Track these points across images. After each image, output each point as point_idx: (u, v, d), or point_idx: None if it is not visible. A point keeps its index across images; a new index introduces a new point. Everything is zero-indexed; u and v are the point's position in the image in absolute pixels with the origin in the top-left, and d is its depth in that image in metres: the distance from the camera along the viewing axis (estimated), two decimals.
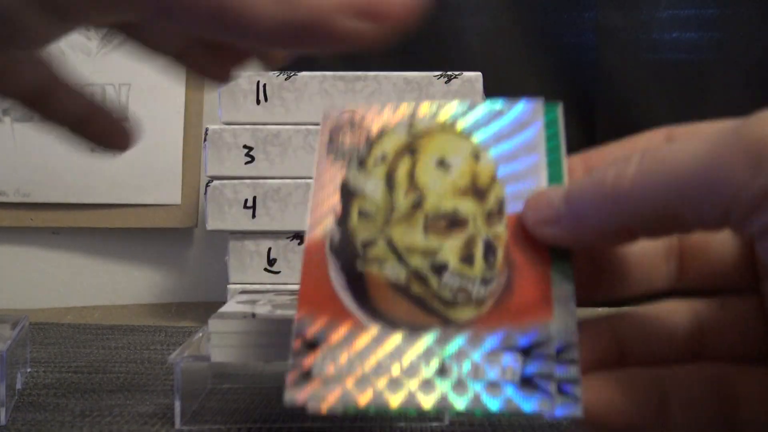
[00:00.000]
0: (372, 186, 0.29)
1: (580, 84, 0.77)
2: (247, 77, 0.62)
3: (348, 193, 0.29)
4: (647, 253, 0.27)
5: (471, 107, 0.30)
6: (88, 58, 0.81)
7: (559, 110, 0.29)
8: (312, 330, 0.26)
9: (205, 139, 0.62)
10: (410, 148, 0.30)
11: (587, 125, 0.76)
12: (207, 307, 0.66)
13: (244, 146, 0.62)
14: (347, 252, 0.28)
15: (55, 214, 0.80)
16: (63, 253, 0.82)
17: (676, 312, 0.27)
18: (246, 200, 0.61)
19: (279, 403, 0.41)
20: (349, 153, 0.30)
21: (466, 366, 0.25)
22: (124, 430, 0.37)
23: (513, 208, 0.28)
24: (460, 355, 0.25)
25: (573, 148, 0.28)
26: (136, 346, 0.56)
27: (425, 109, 0.31)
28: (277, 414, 0.39)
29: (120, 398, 0.42)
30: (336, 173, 0.30)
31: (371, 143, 0.30)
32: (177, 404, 0.37)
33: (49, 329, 0.63)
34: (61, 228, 0.81)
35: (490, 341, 0.25)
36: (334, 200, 0.29)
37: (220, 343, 0.35)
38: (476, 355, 0.25)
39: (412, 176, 0.29)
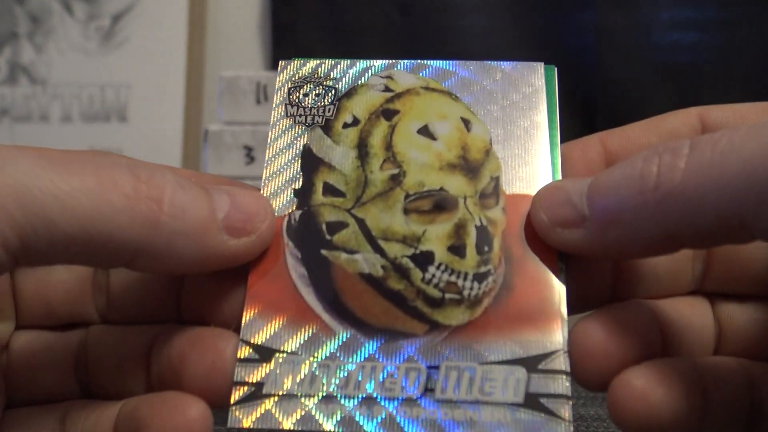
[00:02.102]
0: (340, 155, 0.23)
1: (580, 84, 0.77)
2: (247, 77, 0.62)
3: (311, 163, 0.23)
4: (675, 255, 0.23)
5: (460, 65, 0.25)
6: (88, 58, 0.81)
7: (555, 74, 0.25)
8: (264, 334, 0.21)
9: (205, 139, 0.62)
10: (387, 110, 0.24)
11: (587, 126, 0.76)
12: None
13: (244, 146, 0.62)
14: (309, 236, 0.22)
15: None
16: None
17: (696, 308, 0.23)
18: None
19: None
20: (311, 113, 0.24)
21: (458, 382, 0.20)
22: None
23: (510, 186, 0.23)
24: (450, 370, 0.20)
25: None
26: None
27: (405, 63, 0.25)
28: None
29: None
30: (296, 138, 0.24)
31: (339, 101, 0.24)
32: None
33: None
34: None
35: (486, 351, 0.20)
36: (294, 170, 0.23)
37: None
38: (470, 369, 0.20)
39: (389, 144, 0.23)
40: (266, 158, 0.24)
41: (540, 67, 0.25)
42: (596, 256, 0.21)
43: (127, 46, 0.81)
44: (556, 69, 0.25)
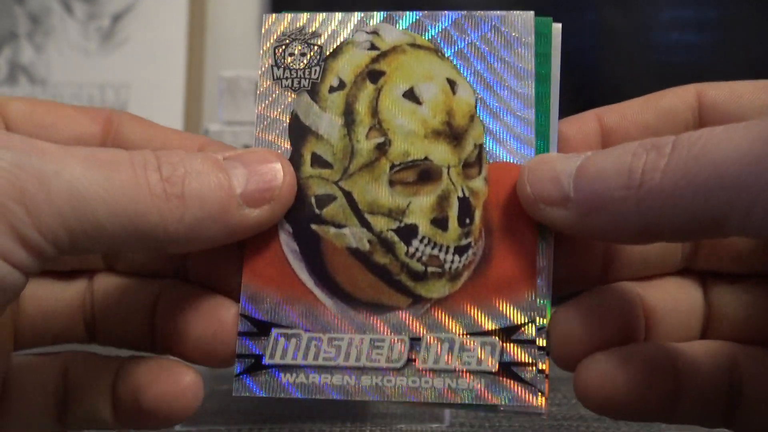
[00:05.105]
0: (327, 122, 0.23)
1: (580, 85, 0.77)
2: (247, 77, 0.62)
3: (299, 132, 0.23)
4: None
5: (446, 16, 0.24)
6: (88, 58, 0.81)
7: (555, 28, 0.24)
8: (261, 309, 0.22)
9: None
10: (373, 71, 0.23)
11: None
12: None
13: (244, 146, 0.62)
14: (300, 210, 0.23)
15: None
16: None
17: (685, 289, 0.24)
18: None
19: (278, 405, 0.41)
20: (297, 75, 0.24)
21: (438, 353, 0.22)
22: None
23: (493, 153, 0.23)
24: (430, 340, 0.22)
25: None
26: None
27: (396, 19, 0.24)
28: (277, 415, 0.39)
29: None
30: (284, 109, 0.24)
31: (325, 62, 0.24)
32: None
33: None
34: None
35: (464, 323, 0.22)
36: (284, 142, 0.24)
37: None
38: (449, 340, 0.22)
39: (375, 111, 0.23)
40: (256, 132, 0.24)
41: (530, 18, 0.24)
42: (576, 236, 0.22)
43: (127, 46, 0.81)
44: (552, 21, 0.24)
